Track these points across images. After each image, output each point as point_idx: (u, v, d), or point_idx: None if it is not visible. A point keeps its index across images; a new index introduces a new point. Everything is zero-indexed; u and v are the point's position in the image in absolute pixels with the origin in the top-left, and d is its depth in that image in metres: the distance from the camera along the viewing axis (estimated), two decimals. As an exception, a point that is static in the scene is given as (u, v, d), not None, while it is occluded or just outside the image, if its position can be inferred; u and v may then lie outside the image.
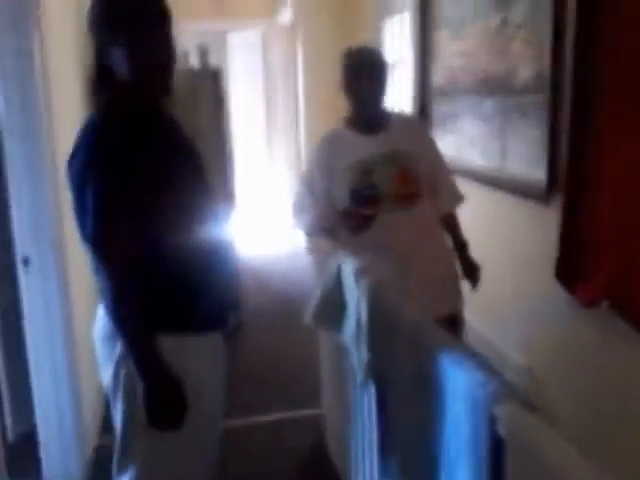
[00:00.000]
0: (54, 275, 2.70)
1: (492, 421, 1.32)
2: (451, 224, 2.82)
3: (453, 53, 4.20)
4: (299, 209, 2.78)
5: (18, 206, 2.65)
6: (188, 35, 6.11)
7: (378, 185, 2.58)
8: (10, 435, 3.12)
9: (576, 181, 2.83)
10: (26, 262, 2.66)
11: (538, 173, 3.17)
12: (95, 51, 1.74)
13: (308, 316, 2.42)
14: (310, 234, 2.80)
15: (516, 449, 1.25)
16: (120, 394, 1.76)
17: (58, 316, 2.74)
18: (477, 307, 3.25)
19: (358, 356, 2.05)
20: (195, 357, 1.77)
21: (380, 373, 1.95)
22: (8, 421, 3.13)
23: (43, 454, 2.87)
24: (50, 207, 2.67)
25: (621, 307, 2.58)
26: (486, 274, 2.81)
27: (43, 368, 2.78)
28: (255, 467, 2.99)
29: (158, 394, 1.67)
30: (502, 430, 1.29)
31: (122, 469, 1.79)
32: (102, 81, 1.75)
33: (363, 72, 2.62)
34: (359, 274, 2.07)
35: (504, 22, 3.50)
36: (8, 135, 2.61)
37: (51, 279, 2.70)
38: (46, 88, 2.70)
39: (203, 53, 5.05)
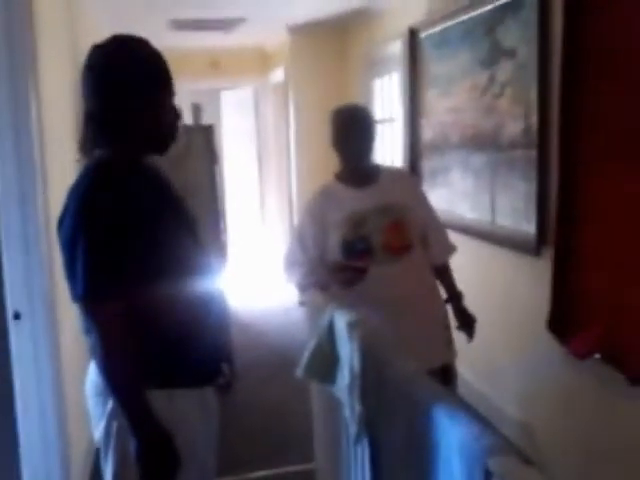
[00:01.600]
0: (45, 330, 2.69)
1: (487, 475, 1.31)
2: (444, 275, 2.84)
3: (442, 110, 4.29)
4: (290, 264, 2.80)
5: (10, 261, 2.65)
6: (182, 93, 6.20)
7: (370, 237, 2.61)
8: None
9: (565, 234, 2.87)
10: (17, 316, 2.64)
11: (528, 226, 3.21)
12: (91, 111, 1.74)
13: (300, 369, 2.41)
14: (302, 289, 2.80)
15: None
16: (111, 450, 1.74)
17: (48, 370, 2.71)
18: (470, 360, 3.24)
19: (351, 409, 2.03)
20: (187, 411, 1.76)
21: (373, 427, 1.93)
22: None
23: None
24: (42, 262, 2.67)
25: (614, 359, 2.58)
26: (479, 327, 2.81)
27: (32, 421, 2.74)
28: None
29: (151, 450, 1.66)
30: (497, 484, 1.28)
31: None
32: (94, 140, 1.76)
33: (352, 129, 2.68)
34: (352, 326, 2.06)
35: (491, 80, 3.58)
36: (2, 191, 2.62)
37: (42, 334, 2.68)
38: (42, 150, 2.74)
39: (197, 111, 5.14)
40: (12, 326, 2.67)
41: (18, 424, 2.75)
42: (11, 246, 2.64)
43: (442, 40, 4.23)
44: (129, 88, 1.71)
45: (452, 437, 1.46)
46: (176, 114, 1.82)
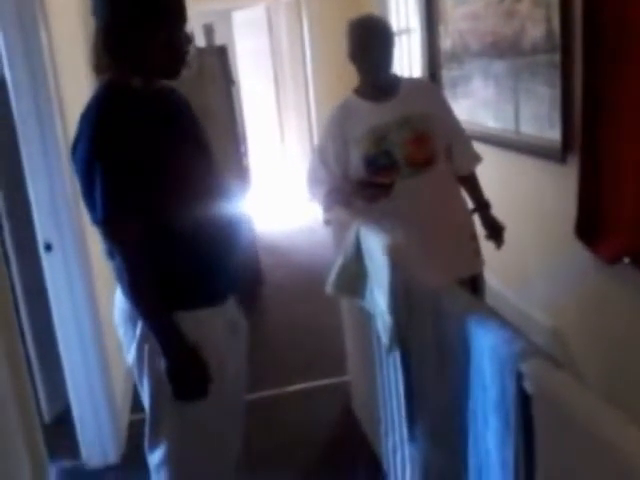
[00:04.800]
0: (76, 259, 2.74)
1: (519, 378, 1.33)
2: (471, 185, 2.82)
3: (460, 17, 4.15)
4: (313, 182, 2.78)
5: (36, 193, 2.67)
6: (193, 14, 6.06)
7: (393, 152, 2.58)
8: (46, 416, 3.18)
9: (591, 139, 2.81)
10: (48, 248, 2.69)
11: (553, 133, 3.15)
12: (106, 32, 1.70)
13: (329, 286, 2.44)
14: (326, 207, 2.80)
15: (544, 405, 1.26)
16: (145, 372, 1.79)
17: (83, 299, 2.78)
18: (498, 269, 3.25)
19: (382, 322, 2.06)
20: (213, 329, 1.80)
21: (404, 338, 1.96)
22: (43, 403, 3.18)
23: (79, 433, 2.94)
24: (66, 192, 2.69)
25: (641, 262, 2.58)
26: (507, 236, 2.81)
27: (72, 349, 2.83)
28: (284, 437, 3.03)
29: (181, 368, 1.71)
30: (529, 387, 1.30)
31: (154, 445, 1.83)
32: (108, 61, 1.73)
33: (370, 41, 2.61)
34: (381, 241, 2.07)
35: (511, -18, 3.45)
36: (22, 123, 2.62)
37: (73, 263, 2.73)
38: (56, 75, 2.72)
39: (209, 32, 5.03)
40: (45, 258, 2.72)
41: (61, 351, 2.84)
42: (35, 179, 2.66)
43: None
44: (141, 9, 1.67)
45: (483, 342, 1.48)
46: (187, 39, 1.78)
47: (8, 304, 2.23)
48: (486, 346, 1.46)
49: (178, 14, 1.74)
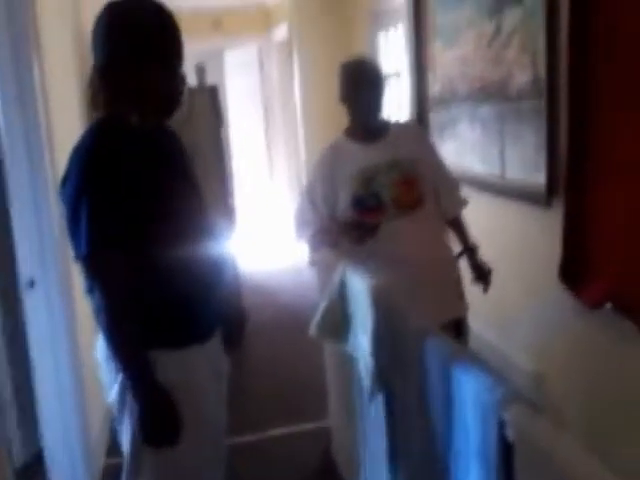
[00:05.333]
0: (59, 296, 2.71)
1: (501, 425, 1.32)
2: (458, 228, 2.84)
3: (448, 61, 4.22)
4: (301, 222, 2.79)
5: (22, 229, 2.66)
6: (185, 54, 6.12)
7: (381, 193, 2.60)
8: (18, 459, 3.11)
9: (576, 183, 2.84)
10: (31, 284, 2.66)
11: (538, 177, 3.18)
12: (104, 68, 1.73)
13: (313, 328, 2.42)
14: (312, 247, 2.80)
15: (526, 452, 1.25)
16: (126, 413, 1.75)
17: (63, 337, 2.75)
18: (482, 313, 3.25)
19: (365, 365, 2.05)
20: (195, 368, 1.78)
21: (388, 381, 1.95)
22: (16, 445, 3.12)
23: (52, 477, 2.87)
24: (53, 228, 2.68)
25: (625, 308, 2.58)
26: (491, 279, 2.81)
27: (49, 390, 2.78)
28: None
29: (151, 413, 1.68)
30: (511, 434, 1.29)
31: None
32: (105, 97, 1.75)
33: (362, 83, 2.65)
34: (366, 282, 2.06)
35: (497, 29, 3.51)
36: (10, 158, 2.62)
37: (56, 300, 2.71)
38: (47, 111, 2.73)
39: (200, 72, 5.08)
40: (27, 294, 2.69)
41: (36, 390, 2.79)
42: (22, 213, 2.65)
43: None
44: (139, 49, 1.70)
45: (466, 388, 1.47)
46: (182, 79, 1.80)
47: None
48: (469, 392, 1.46)
49: (175, 55, 1.77)
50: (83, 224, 1.61)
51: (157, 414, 1.69)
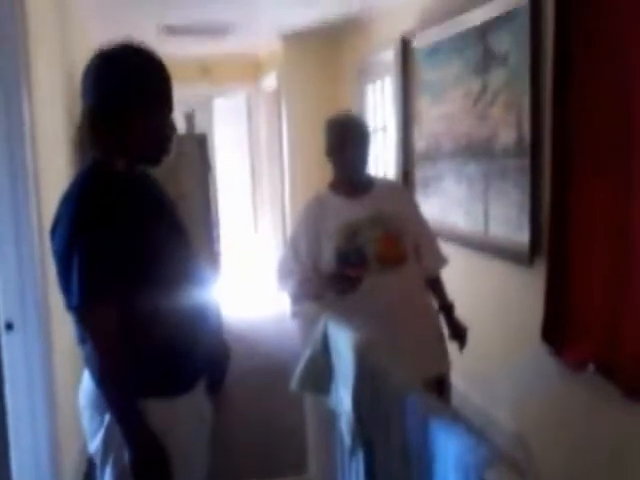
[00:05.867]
0: (37, 339, 2.67)
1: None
2: (436, 286, 2.84)
3: (435, 118, 4.29)
4: (284, 273, 2.79)
5: (3, 270, 2.63)
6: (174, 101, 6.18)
7: (364, 248, 2.61)
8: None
9: (559, 243, 2.87)
10: (9, 327, 2.63)
11: (521, 236, 3.21)
12: (94, 113, 1.73)
13: (294, 382, 2.40)
14: (295, 298, 2.80)
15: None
16: (110, 462, 1.73)
17: (41, 382, 2.70)
18: (464, 371, 3.24)
19: (346, 421, 2.02)
20: (182, 417, 1.77)
21: (368, 438, 1.93)
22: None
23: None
24: (35, 271, 2.65)
25: (607, 371, 2.58)
26: (473, 337, 2.81)
27: (23, 433, 2.72)
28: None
29: (144, 460, 1.67)
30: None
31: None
32: (94, 141, 1.75)
33: (347, 140, 2.69)
34: (349, 336, 2.06)
35: (483, 87, 3.59)
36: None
37: (34, 343, 2.67)
38: (34, 156, 2.73)
39: (189, 119, 5.13)
40: (4, 337, 2.65)
41: (9, 435, 2.73)
42: (3, 255, 2.63)
43: (434, 48, 4.24)
44: (128, 95, 1.71)
45: (447, 448, 1.46)
46: (172, 127, 1.82)
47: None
48: (450, 452, 1.44)
49: (165, 102, 1.78)
50: (75, 275, 1.61)
51: (150, 459, 1.67)
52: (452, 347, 2.80)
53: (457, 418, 1.61)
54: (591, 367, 2.67)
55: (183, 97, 6.90)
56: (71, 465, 3.11)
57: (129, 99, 1.71)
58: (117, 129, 1.72)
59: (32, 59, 2.78)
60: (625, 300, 2.48)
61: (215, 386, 2.02)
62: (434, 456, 1.52)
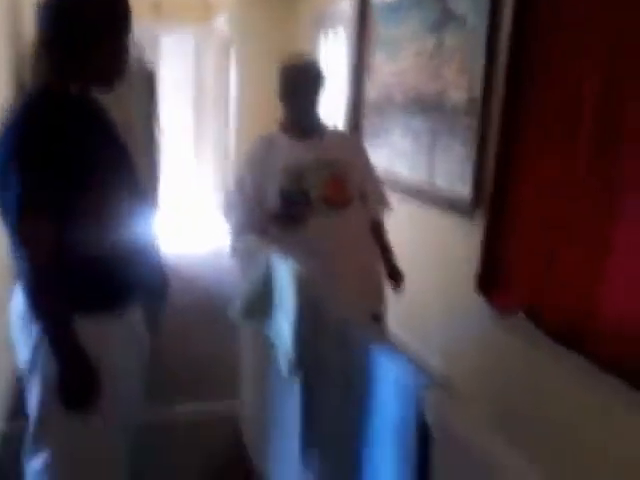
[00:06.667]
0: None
1: (419, 409, 1.35)
2: (378, 230, 2.89)
3: (388, 71, 4.30)
4: (229, 208, 2.79)
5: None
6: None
7: (309, 190, 2.62)
8: None
9: (499, 198, 2.95)
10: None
11: (464, 188, 3.28)
12: (51, 38, 1.71)
13: (233, 309, 2.42)
14: (239, 232, 2.80)
15: (443, 436, 1.29)
16: (37, 376, 1.73)
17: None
18: (400, 314, 3.31)
19: (284, 351, 2.06)
20: (110, 336, 1.77)
21: (306, 368, 1.96)
22: None
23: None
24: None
25: (535, 316, 2.71)
26: (411, 284, 2.88)
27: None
28: (173, 459, 2.96)
29: (72, 375, 1.68)
30: (429, 417, 1.32)
31: (34, 452, 1.76)
32: (48, 66, 1.73)
33: (300, 85, 2.68)
34: (291, 267, 2.08)
35: (438, 45, 3.61)
36: None
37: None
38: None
39: (140, 50, 4.99)
40: None
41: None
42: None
43: (393, 4, 4.22)
44: (91, 18, 1.69)
45: (387, 372, 1.50)
46: (127, 53, 1.81)
47: None
48: (390, 376, 1.48)
49: (124, 26, 1.77)
50: (12, 187, 1.60)
51: (78, 376, 1.68)
52: (391, 292, 2.87)
53: (397, 347, 1.66)
54: (521, 314, 2.78)
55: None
56: (2, 382, 3.08)
57: (89, 22, 1.69)
58: (75, 53, 1.70)
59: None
60: (557, 249, 2.59)
61: (154, 314, 2.03)
62: (372, 380, 1.56)
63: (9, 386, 3.20)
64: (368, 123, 4.63)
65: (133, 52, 4.85)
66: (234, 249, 2.93)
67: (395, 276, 2.87)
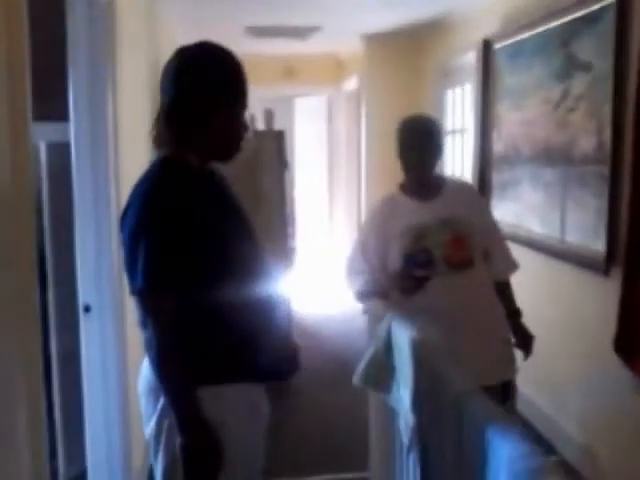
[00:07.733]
0: (112, 322, 2.79)
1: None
2: (504, 291, 2.79)
3: (514, 122, 4.23)
4: (352, 271, 2.80)
5: (83, 256, 2.75)
6: (256, 99, 6.31)
7: (431, 250, 2.59)
8: (63, 476, 3.16)
9: (637, 253, 2.78)
10: (87, 309, 2.75)
11: (597, 244, 3.14)
12: (170, 107, 1.79)
13: (357, 377, 2.42)
14: (361, 297, 2.81)
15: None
16: (162, 446, 1.77)
17: (114, 362, 2.81)
18: (534, 378, 3.18)
19: (405, 420, 2.03)
20: (233, 408, 1.77)
21: (425, 438, 1.92)
22: (61, 464, 3.17)
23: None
24: (112, 257, 2.77)
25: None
26: (543, 344, 2.76)
27: (96, 412, 2.83)
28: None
29: (196, 448, 1.69)
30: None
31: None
32: (168, 136, 1.81)
33: (416, 140, 2.68)
34: (410, 335, 2.06)
35: (565, 94, 3.51)
36: (78, 189, 2.73)
37: (109, 325, 2.78)
38: (116, 153, 2.85)
39: (269, 116, 5.22)
40: (82, 319, 2.78)
41: (85, 410, 2.85)
42: (84, 242, 2.75)
43: (516, 52, 4.17)
44: (205, 92, 1.76)
45: (501, 453, 1.44)
46: (245, 125, 1.87)
47: (35, 369, 2.24)
48: (504, 458, 1.43)
49: (240, 100, 1.83)
50: (140, 260, 1.66)
51: (202, 449, 1.69)
52: (518, 354, 2.76)
53: (514, 424, 1.60)
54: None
55: (265, 95, 7.07)
56: (140, 446, 3.23)
57: (205, 97, 1.76)
58: (192, 124, 1.77)
59: (119, 49, 2.90)
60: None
61: (281, 383, 2.01)
62: (487, 459, 1.51)
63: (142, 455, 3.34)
64: (496, 176, 4.55)
65: (262, 117, 5.07)
66: (365, 309, 2.94)
67: (524, 339, 2.75)
